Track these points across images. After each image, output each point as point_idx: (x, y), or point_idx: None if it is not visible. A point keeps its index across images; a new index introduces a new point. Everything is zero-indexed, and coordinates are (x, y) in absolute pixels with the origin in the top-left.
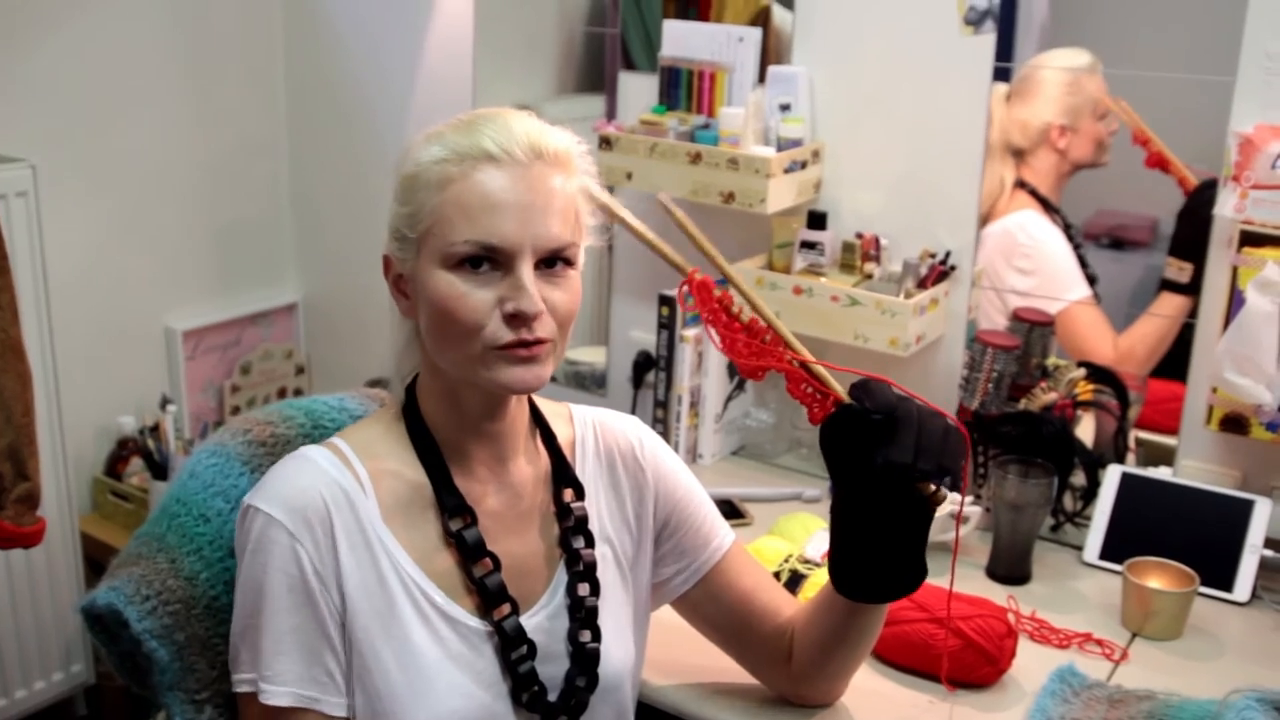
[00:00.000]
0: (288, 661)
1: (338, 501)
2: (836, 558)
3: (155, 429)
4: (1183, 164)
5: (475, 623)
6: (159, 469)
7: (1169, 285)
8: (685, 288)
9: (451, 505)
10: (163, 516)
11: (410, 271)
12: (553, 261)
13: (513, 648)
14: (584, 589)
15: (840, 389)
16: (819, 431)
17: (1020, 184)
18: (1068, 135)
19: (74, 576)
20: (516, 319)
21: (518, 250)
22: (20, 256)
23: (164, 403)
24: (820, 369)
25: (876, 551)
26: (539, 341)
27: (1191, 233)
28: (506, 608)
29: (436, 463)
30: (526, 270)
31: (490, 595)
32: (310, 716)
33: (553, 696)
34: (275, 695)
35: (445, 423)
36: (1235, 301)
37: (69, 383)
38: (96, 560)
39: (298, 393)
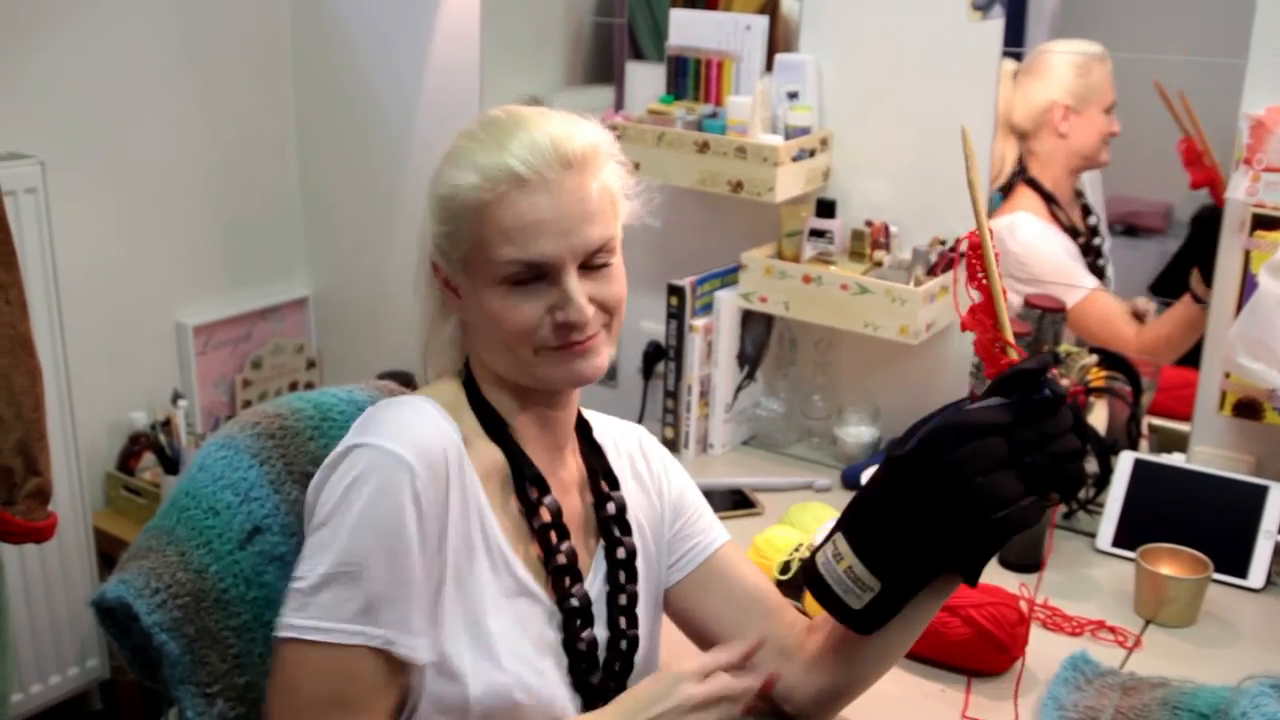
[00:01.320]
0: (397, 609)
1: (453, 456)
2: None
3: (167, 424)
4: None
5: (544, 595)
6: (171, 464)
7: (1194, 296)
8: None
9: (530, 474)
10: (172, 510)
11: (457, 282)
12: (594, 258)
13: (576, 618)
14: (622, 577)
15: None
16: (1005, 372)
17: (1027, 181)
18: (1071, 118)
19: (88, 572)
20: (566, 328)
21: (560, 263)
22: (30, 253)
23: (175, 398)
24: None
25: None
26: (590, 338)
27: (1212, 252)
28: (568, 580)
29: (507, 435)
30: (572, 280)
31: (561, 566)
32: (385, 660)
33: (594, 680)
34: (387, 641)
35: (507, 406)
36: (1248, 286)
37: (80, 378)
38: (110, 555)
39: (309, 386)
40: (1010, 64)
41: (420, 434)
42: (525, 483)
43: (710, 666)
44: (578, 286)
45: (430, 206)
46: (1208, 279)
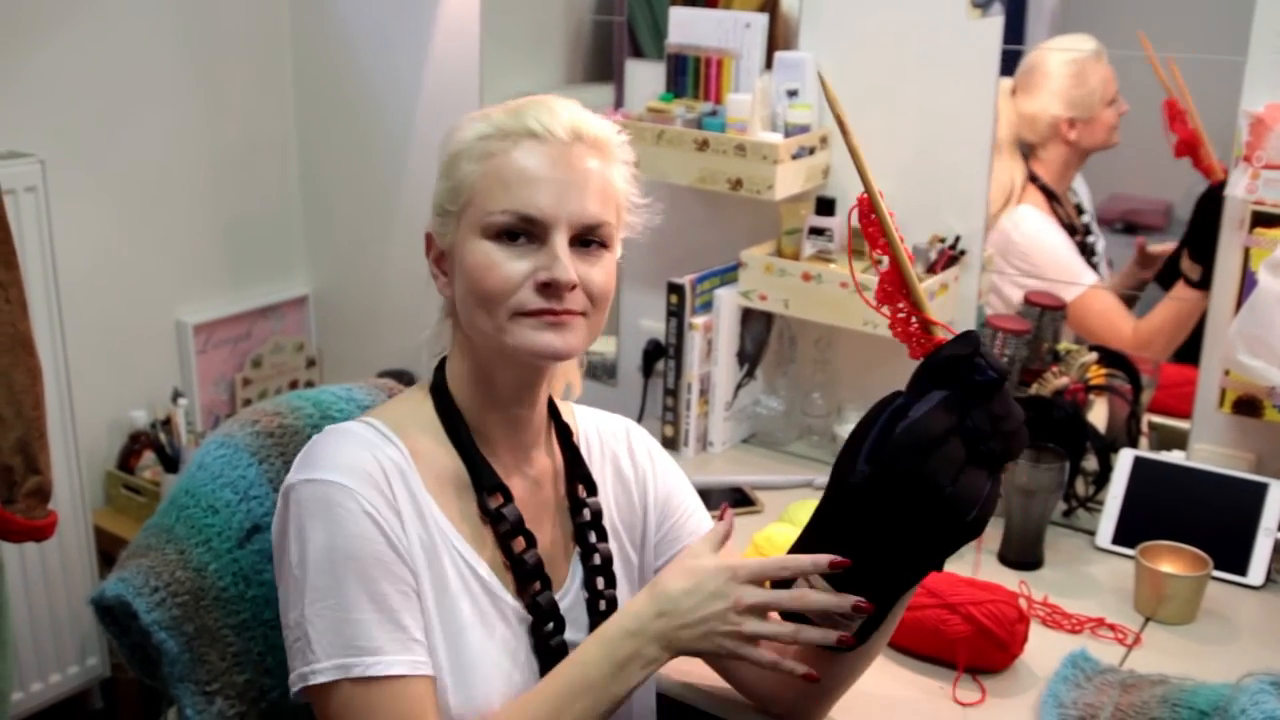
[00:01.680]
0: (387, 632)
1: (390, 470)
2: None
3: (167, 422)
4: (1215, 157)
5: (514, 601)
6: (171, 462)
7: (1187, 280)
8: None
9: (488, 483)
10: (171, 508)
11: (450, 245)
12: (588, 241)
13: (545, 622)
14: (600, 583)
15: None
16: (931, 357)
17: (1030, 178)
18: (1078, 127)
19: (88, 570)
20: (549, 288)
21: (553, 223)
22: (30, 251)
23: (175, 396)
24: (927, 308)
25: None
26: (568, 312)
27: (1202, 233)
28: (538, 584)
29: (468, 441)
30: (561, 243)
31: (527, 572)
32: (420, 684)
33: None
34: (388, 666)
35: (473, 405)
36: (1247, 283)
37: (80, 377)
38: (110, 554)
39: (309, 385)
40: (1005, 81)
41: (353, 458)
42: (484, 492)
43: (767, 570)
44: (567, 251)
45: (439, 168)
46: (1198, 256)
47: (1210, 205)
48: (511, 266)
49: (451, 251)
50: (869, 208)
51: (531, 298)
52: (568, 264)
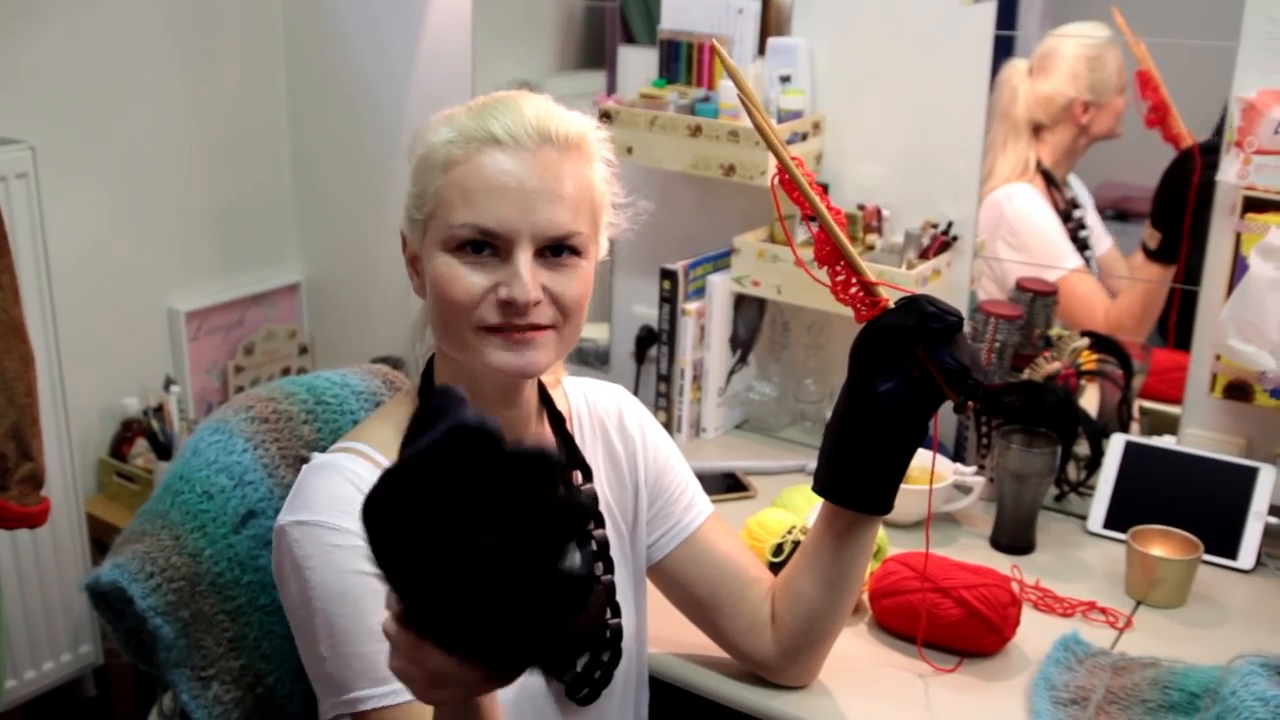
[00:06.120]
0: (376, 660)
1: None
2: (840, 467)
3: (159, 410)
4: (1183, 125)
5: None
6: (164, 450)
7: (1146, 251)
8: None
9: None
10: (166, 494)
11: (418, 251)
12: (559, 250)
13: None
14: (598, 568)
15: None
16: (871, 325)
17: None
18: (1092, 111)
19: (80, 558)
20: (509, 307)
21: (515, 236)
22: (21, 238)
23: (168, 384)
24: (857, 260)
25: (885, 458)
26: (533, 327)
27: (1165, 200)
28: None
29: None
30: (523, 258)
31: None
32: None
33: (566, 678)
34: (397, 695)
35: None
36: (1238, 268)
37: (72, 365)
38: (103, 542)
39: (301, 372)
40: (1021, 62)
41: (337, 494)
42: None
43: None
44: (529, 266)
45: (410, 172)
46: (1159, 223)
47: (1177, 173)
48: (471, 280)
49: (420, 258)
50: (786, 178)
51: (493, 313)
52: (528, 281)
